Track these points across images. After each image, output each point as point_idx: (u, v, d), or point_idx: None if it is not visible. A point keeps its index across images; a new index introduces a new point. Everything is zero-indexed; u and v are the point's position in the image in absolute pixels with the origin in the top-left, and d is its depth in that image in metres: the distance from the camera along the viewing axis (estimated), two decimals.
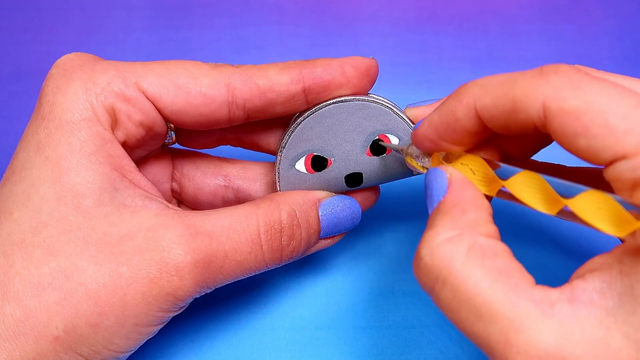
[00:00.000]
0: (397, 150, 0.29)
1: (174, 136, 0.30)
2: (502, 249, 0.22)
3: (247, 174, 0.32)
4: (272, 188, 0.31)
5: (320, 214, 0.29)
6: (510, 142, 0.26)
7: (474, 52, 0.42)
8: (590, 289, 0.21)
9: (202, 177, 0.31)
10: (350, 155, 0.30)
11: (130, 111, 0.26)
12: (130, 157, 0.27)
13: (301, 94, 0.28)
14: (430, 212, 0.24)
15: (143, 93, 0.26)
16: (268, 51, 0.42)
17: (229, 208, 0.27)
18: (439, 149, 0.26)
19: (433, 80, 0.41)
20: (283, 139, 0.29)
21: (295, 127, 0.29)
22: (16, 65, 0.42)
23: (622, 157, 0.20)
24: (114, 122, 0.26)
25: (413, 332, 0.33)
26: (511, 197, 0.24)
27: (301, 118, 0.29)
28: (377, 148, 0.29)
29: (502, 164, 0.24)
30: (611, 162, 0.20)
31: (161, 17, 0.43)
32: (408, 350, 0.32)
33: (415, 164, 0.27)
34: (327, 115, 0.29)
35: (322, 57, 0.28)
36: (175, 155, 0.32)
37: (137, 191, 0.26)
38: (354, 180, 0.30)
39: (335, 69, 0.28)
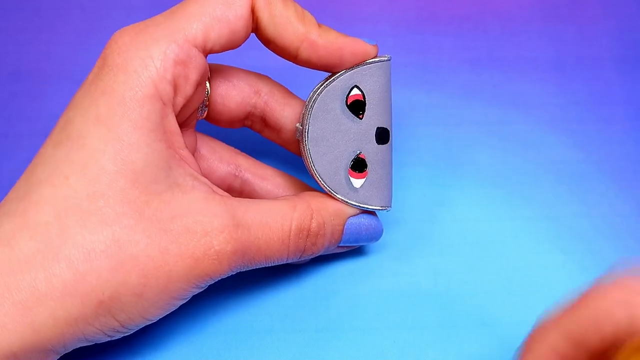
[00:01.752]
0: None
1: (206, 110, 0.31)
2: None
3: (257, 171, 0.33)
4: (278, 189, 0.32)
5: (344, 229, 0.31)
6: None
7: (474, 52, 0.42)
8: None
9: (217, 161, 0.33)
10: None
11: (187, 73, 0.28)
12: (180, 119, 0.29)
13: (294, 51, 0.29)
14: None
15: (195, 46, 0.28)
16: (268, 51, 0.42)
17: (267, 203, 0.29)
18: None
19: (433, 80, 0.41)
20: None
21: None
22: (16, 66, 0.42)
23: None
24: (175, 90, 0.28)
25: (413, 333, 0.33)
26: None
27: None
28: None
29: None
30: None
31: None
32: (408, 352, 0.32)
33: None
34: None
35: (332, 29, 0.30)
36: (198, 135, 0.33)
37: (187, 170, 0.28)
38: (382, 135, 0.31)
39: (335, 51, 0.29)
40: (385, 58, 0.31)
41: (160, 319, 0.32)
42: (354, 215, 0.32)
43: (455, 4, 0.43)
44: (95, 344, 0.31)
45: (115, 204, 0.26)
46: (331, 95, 0.30)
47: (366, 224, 0.32)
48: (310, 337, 0.33)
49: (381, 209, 0.32)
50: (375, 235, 0.33)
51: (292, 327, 0.33)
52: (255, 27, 0.29)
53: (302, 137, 0.30)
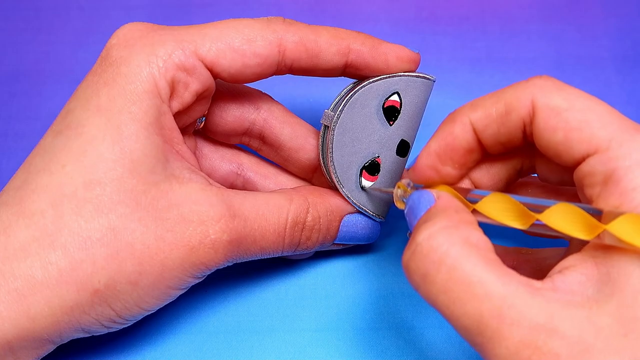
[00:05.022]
0: (386, 193, 0.31)
1: (203, 121, 0.31)
2: (492, 245, 0.24)
3: (260, 169, 0.33)
4: (281, 188, 0.32)
5: (340, 225, 0.32)
6: (489, 172, 0.29)
7: (473, 53, 0.42)
8: (569, 281, 0.22)
9: (219, 160, 0.33)
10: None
11: (188, 81, 0.28)
12: (179, 124, 0.29)
13: (342, 67, 0.30)
14: (414, 222, 0.26)
15: (202, 61, 0.28)
16: None
17: (264, 195, 0.30)
18: (439, 177, 0.27)
19: None
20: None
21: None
22: (15, 66, 0.42)
23: (595, 152, 0.23)
24: (172, 93, 0.28)
25: (413, 333, 0.33)
26: (484, 217, 0.25)
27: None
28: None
29: (472, 189, 0.27)
30: (583, 158, 0.23)
31: (160, 17, 0.43)
32: (408, 352, 0.32)
33: (403, 204, 0.29)
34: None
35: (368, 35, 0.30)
36: (198, 136, 0.33)
37: (184, 164, 0.28)
38: (403, 148, 0.32)
39: (380, 56, 0.30)
40: (432, 78, 0.31)
41: (160, 319, 0.32)
42: (352, 213, 0.32)
43: (455, 4, 0.43)
44: (97, 341, 0.31)
45: (112, 192, 0.26)
46: (373, 92, 0.30)
47: (363, 222, 0.32)
48: (310, 337, 0.32)
49: (375, 216, 0.32)
50: (372, 235, 0.33)
51: (292, 327, 0.33)
52: (290, 67, 0.29)
53: (330, 122, 0.30)
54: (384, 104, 0.30)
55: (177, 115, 0.28)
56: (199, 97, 0.29)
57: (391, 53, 0.30)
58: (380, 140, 0.31)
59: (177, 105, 0.28)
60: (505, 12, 0.43)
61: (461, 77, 0.41)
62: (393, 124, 0.31)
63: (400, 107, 0.31)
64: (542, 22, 0.43)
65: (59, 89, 0.41)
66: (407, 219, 0.27)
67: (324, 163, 0.31)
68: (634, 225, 0.21)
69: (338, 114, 0.30)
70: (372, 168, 0.31)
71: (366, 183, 0.31)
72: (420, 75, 0.31)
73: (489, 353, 0.22)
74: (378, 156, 0.31)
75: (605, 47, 0.42)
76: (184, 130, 0.30)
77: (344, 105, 0.30)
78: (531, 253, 0.29)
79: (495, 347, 0.21)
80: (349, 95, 0.30)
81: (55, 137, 0.27)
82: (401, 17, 0.43)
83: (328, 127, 0.30)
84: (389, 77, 0.30)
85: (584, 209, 0.23)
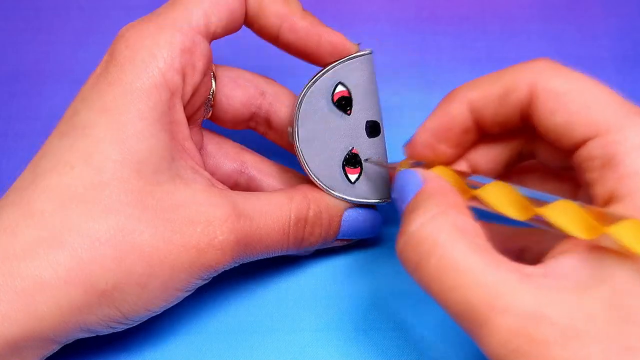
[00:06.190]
0: (386, 167, 0.31)
1: (211, 110, 0.32)
2: (481, 231, 0.24)
3: (263, 168, 0.33)
4: (284, 186, 0.33)
5: (342, 220, 0.32)
6: (489, 154, 0.28)
7: (473, 52, 0.42)
8: (562, 265, 0.22)
9: (223, 158, 0.33)
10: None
11: (194, 61, 0.28)
12: (187, 111, 0.29)
13: (275, 30, 0.30)
14: (403, 206, 0.26)
15: (198, 33, 0.28)
16: (268, 51, 0.42)
17: (265, 195, 0.30)
18: (435, 155, 0.27)
19: (432, 80, 0.41)
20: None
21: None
22: (15, 66, 0.42)
23: (594, 136, 0.23)
24: (183, 79, 0.28)
25: (413, 333, 0.33)
26: (483, 205, 0.25)
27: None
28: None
29: (473, 175, 0.26)
30: (583, 142, 0.23)
31: None
32: (408, 352, 0.32)
33: None
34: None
35: (323, 21, 0.30)
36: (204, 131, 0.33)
37: (189, 162, 0.28)
38: (373, 128, 0.31)
39: (313, 37, 0.30)
40: (367, 52, 0.31)
41: (161, 319, 0.32)
42: (352, 208, 0.32)
43: (455, 4, 0.43)
44: (98, 341, 0.31)
45: (120, 193, 0.26)
46: (316, 94, 0.30)
47: (364, 215, 0.32)
48: (310, 337, 0.32)
49: (381, 202, 0.32)
50: (374, 228, 0.33)
51: (292, 327, 0.33)
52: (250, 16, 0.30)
53: (294, 140, 0.30)
54: (332, 98, 0.30)
55: (188, 102, 0.29)
56: (203, 73, 0.29)
57: (325, 36, 0.30)
58: (346, 132, 0.31)
59: (189, 89, 0.28)
60: (505, 12, 0.43)
61: (461, 77, 0.40)
62: (350, 112, 0.31)
63: (350, 94, 0.31)
64: (542, 22, 0.43)
65: (59, 89, 0.41)
66: (395, 199, 0.27)
67: (307, 174, 0.31)
68: (635, 232, 0.20)
69: (296, 130, 0.30)
70: (352, 161, 0.31)
71: (353, 176, 0.31)
72: (356, 55, 0.30)
73: (481, 340, 0.22)
74: (352, 147, 0.31)
75: (605, 47, 0.42)
76: (192, 120, 0.31)
77: (297, 120, 0.30)
78: (541, 234, 0.29)
79: (487, 334, 0.21)
80: (297, 109, 0.30)
81: (61, 139, 0.27)
82: (401, 17, 0.43)
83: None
84: (325, 71, 0.30)
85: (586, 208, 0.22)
